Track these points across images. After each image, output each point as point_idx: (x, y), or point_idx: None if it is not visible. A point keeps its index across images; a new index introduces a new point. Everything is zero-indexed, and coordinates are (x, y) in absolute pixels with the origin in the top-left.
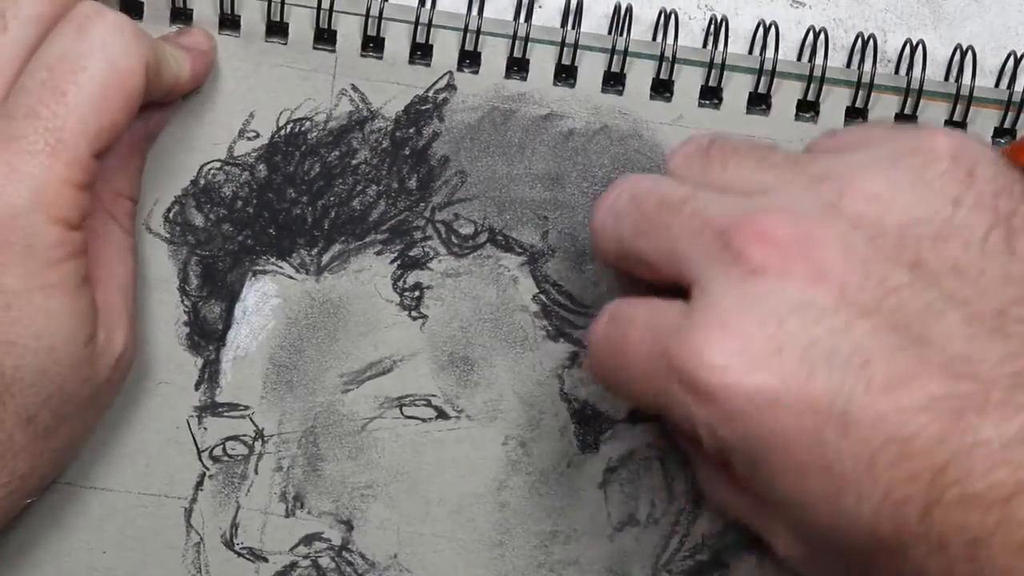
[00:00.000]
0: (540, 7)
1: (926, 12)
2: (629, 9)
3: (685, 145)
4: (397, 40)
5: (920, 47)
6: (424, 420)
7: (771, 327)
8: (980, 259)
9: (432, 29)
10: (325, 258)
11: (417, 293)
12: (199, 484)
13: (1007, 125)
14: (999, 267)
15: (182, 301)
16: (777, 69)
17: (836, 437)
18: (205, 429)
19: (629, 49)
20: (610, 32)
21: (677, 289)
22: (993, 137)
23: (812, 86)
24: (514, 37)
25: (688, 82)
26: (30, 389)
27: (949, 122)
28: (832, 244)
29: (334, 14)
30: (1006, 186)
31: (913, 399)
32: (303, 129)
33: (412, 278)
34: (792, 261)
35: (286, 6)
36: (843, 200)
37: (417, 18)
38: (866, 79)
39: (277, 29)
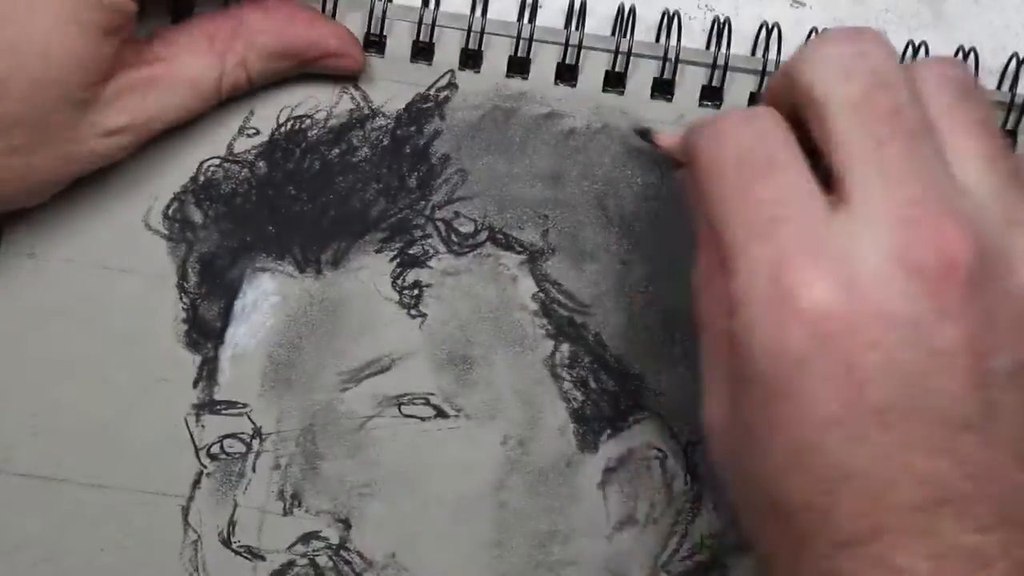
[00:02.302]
0: (542, 6)
1: (926, 12)
2: (633, 10)
3: (945, 66)
4: (399, 38)
5: (923, 49)
6: (423, 419)
7: (883, 320)
8: None
9: (434, 28)
10: (324, 256)
11: (416, 291)
12: (197, 482)
13: (1009, 127)
14: None
15: (181, 298)
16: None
17: (842, 436)
18: (203, 427)
19: (631, 55)
20: (613, 33)
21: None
22: None
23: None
24: (517, 38)
25: (690, 82)
26: (14, 103)
27: None
28: (985, 297)
29: (337, 12)
30: None
31: (923, 466)
32: (303, 126)
33: (411, 276)
34: (945, 285)
35: None
36: (1022, 266)
37: (420, 17)
38: None
39: None
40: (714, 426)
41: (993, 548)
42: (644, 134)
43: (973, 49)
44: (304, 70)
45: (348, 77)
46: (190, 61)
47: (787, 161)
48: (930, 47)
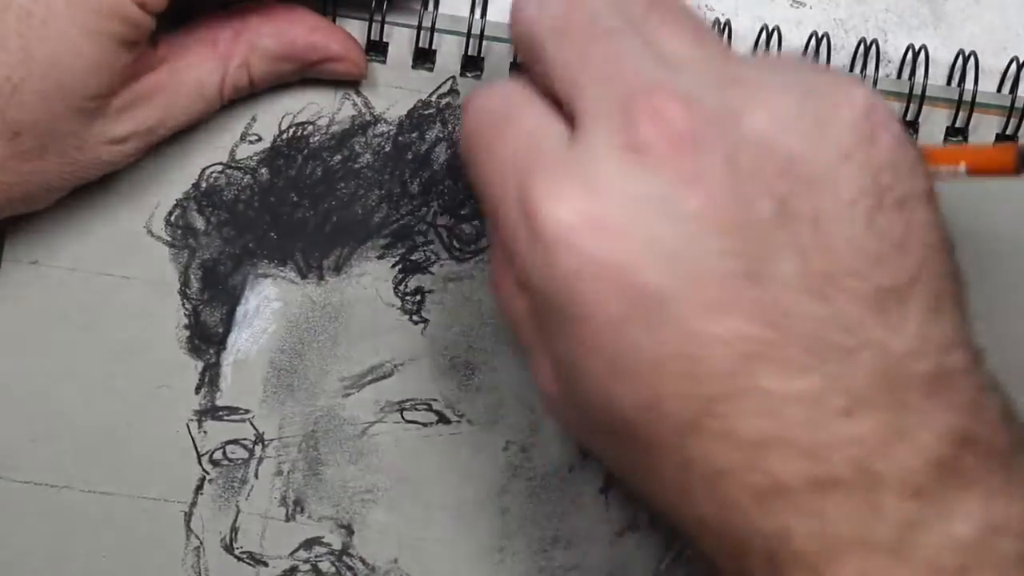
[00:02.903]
0: None
1: (926, 12)
2: None
3: None
4: (400, 44)
5: (923, 52)
6: (425, 424)
7: (629, 208)
8: (838, 219)
9: (435, 34)
10: (326, 262)
11: (418, 297)
12: (199, 488)
13: (1009, 131)
14: (850, 233)
15: (183, 304)
16: None
17: (640, 332)
18: (205, 433)
19: None
20: None
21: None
22: (995, 144)
23: None
24: None
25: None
26: (25, 110)
27: (951, 128)
28: (718, 152)
29: (338, 19)
30: (896, 161)
31: (721, 328)
32: (305, 133)
33: (413, 282)
34: (676, 154)
35: None
36: (746, 110)
37: (420, 23)
38: (868, 84)
39: None
40: (549, 393)
41: (819, 385)
42: None
43: (973, 53)
44: (307, 74)
45: (350, 82)
46: (194, 64)
47: (523, 110)
48: (930, 47)
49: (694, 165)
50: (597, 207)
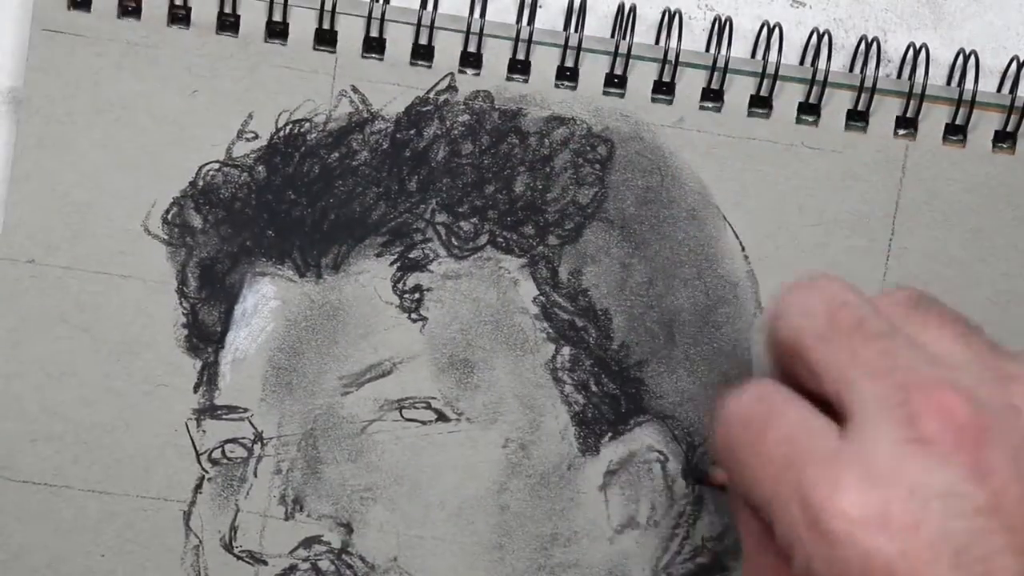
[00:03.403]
0: (541, 6)
1: (926, 12)
2: (633, 10)
3: (896, 291)
4: (398, 41)
5: (923, 51)
6: (424, 423)
7: (917, 502)
8: None
9: (434, 30)
10: (325, 260)
11: (417, 295)
12: (198, 487)
13: (1009, 129)
14: None
15: (180, 303)
16: (780, 73)
17: None
18: (204, 432)
19: (632, 52)
20: (613, 34)
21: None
22: (994, 142)
23: (814, 90)
24: (516, 39)
25: (690, 84)
26: None
27: (951, 127)
28: (1005, 446)
29: (337, 15)
30: None
31: None
32: (302, 130)
33: (412, 280)
34: (962, 448)
35: (287, 7)
36: None
37: (419, 19)
38: (868, 83)
39: (277, 30)
40: None
41: None
42: (699, 478)
43: (974, 52)
44: None
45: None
46: None
47: (786, 406)
48: (930, 47)
49: (980, 459)
50: (883, 500)
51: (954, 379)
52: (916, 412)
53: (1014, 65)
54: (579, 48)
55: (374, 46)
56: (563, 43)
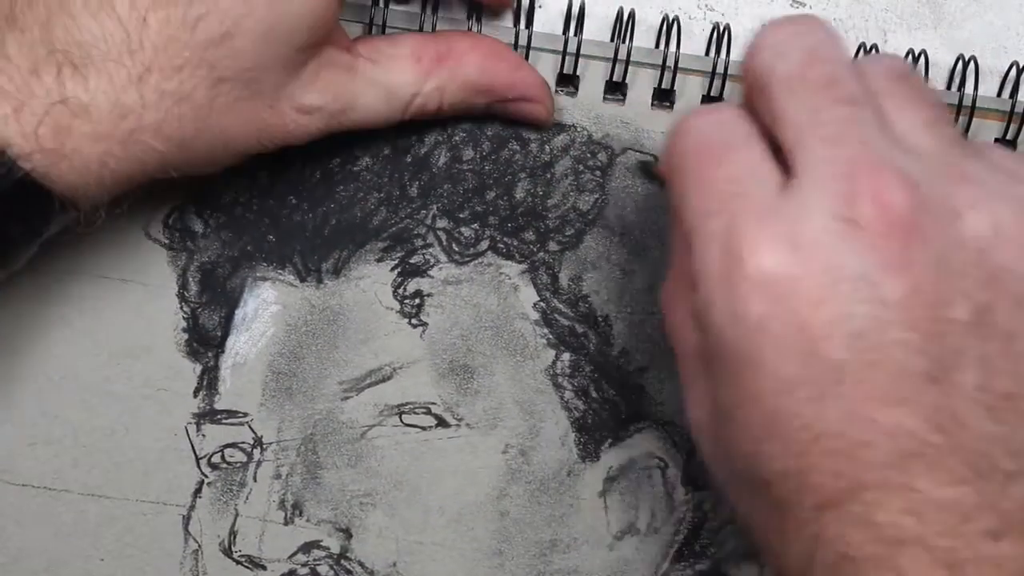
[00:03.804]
0: (540, 6)
1: (926, 12)
2: (632, 14)
3: (884, 58)
4: None
5: (923, 57)
6: (424, 428)
7: (829, 278)
8: None
9: None
10: (325, 265)
11: (417, 301)
12: (197, 491)
13: (1009, 136)
14: None
15: (181, 307)
16: None
17: (806, 396)
18: (204, 436)
19: (631, 58)
20: (612, 39)
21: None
22: None
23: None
24: (515, 45)
25: (691, 90)
26: (234, 58)
27: None
28: (932, 246)
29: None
30: None
31: (889, 420)
32: None
33: (412, 285)
34: (889, 238)
35: None
36: (968, 211)
37: (420, 25)
38: None
39: None
40: (700, 425)
41: (971, 500)
42: (646, 170)
43: (973, 58)
44: (492, 110)
45: (526, 123)
46: (392, 69)
47: (742, 143)
48: (930, 47)
49: (904, 253)
50: (800, 268)
51: (906, 168)
52: (856, 191)
53: (1014, 70)
54: (578, 53)
55: None
56: (562, 47)
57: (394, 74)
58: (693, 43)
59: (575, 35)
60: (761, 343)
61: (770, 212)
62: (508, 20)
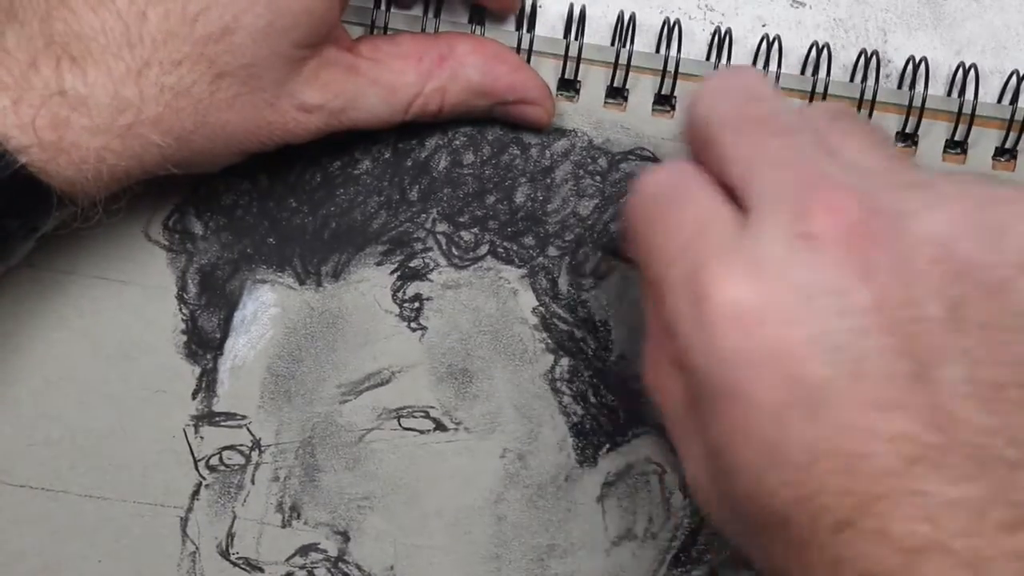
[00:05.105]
0: (540, 6)
1: (926, 12)
2: (632, 18)
3: (819, 104)
4: None
5: (923, 64)
6: (422, 432)
7: (799, 297)
8: (1010, 329)
9: None
10: (325, 268)
11: (417, 304)
12: (195, 493)
13: (1008, 145)
14: (1021, 345)
15: (180, 309)
16: (781, 84)
17: (798, 419)
18: (202, 438)
19: (632, 63)
20: (613, 43)
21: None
22: (993, 156)
23: (815, 101)
24: (517, 48)
25: (691, 96)
26: (234, 53)
27: (950, 142)
28: (892, 249)
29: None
30: None
31: (885, 426)
32: None
33: (412, 289)
34: (848, 247)
35: None
36: (923, 211)
37: (423, 29)
38: (868, 95)
39: None
40: (698, 481)
41: (982, 495)
42: (611, 250)
43: (974, 65)
44: (493, 113)
45: (526, 126)
46: (394, 69)
47: (695, 190)
48: (930, 47)
49: (866, 260)
50: (766, 293)
51: (852, 180)
52: (809, 207)
53: (1014, 79)
54: (579, 58)
55: None
56: (563, 52)
57: (395, 74)
58: (695, 46)
59: (576, 39)
60: (743, 375)
61: (730, 246)
62: (510, 24)
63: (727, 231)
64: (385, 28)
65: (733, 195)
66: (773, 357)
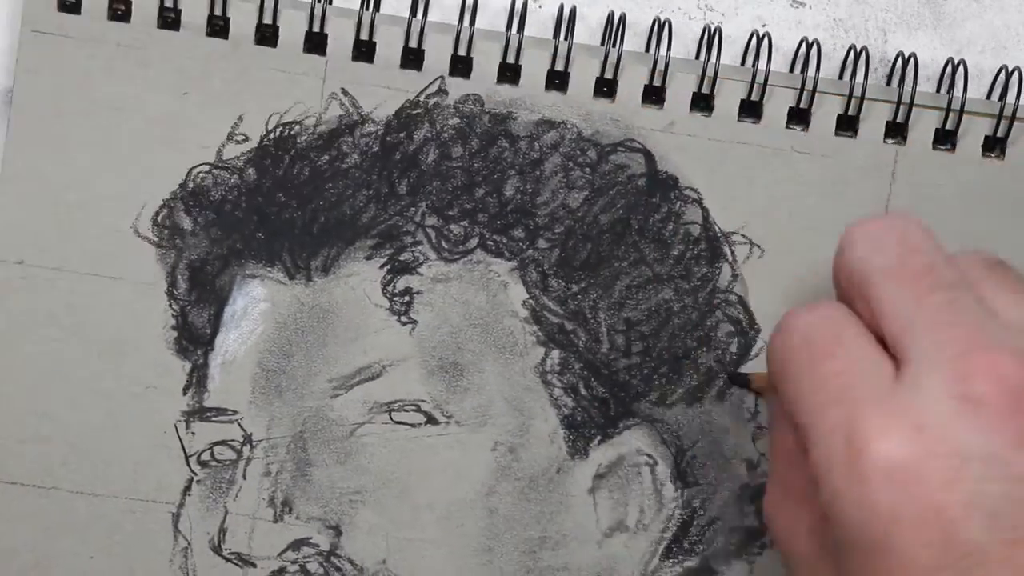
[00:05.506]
0: (540, 6)
1: (926, 12)
2: (623, 19)
3: (973, 252)
4: (389, 45)
5: (912, 59)
6: (413, 425)
7: (958, 459)
8: None
9: (424, 35)
10: (314, 263)
11: (407, 298)
12: (187, 489)
13: (999, 135)
14: None
15: (170, 305)
16: (770, 81)
17: None
18: (193, 434)
19: (621, 61)
20: (603, 43)
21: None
22: (983, 149)
23: (804, 96)
24: (506, 47)
25: (680, 89)
26: None
27: (940, 133)
28: None
29: (327, 17)
30: None
31: None
32: (292, 133)
33: (402, 283)
34: (1012, 413)
35: (277, 10)
36: None
37: (409, 24)
38: (858, 91)
39: (267, 33)
40: None
41: None
42: (738, 380)
43: (963, 61)
44: None
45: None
46: None
47: (850, 337)
48: (930, 47)
49: None
50: (926, 452)
51: (1015, 344)
52: (971, 370)
53: (1003, 74)
54: (568, 55)
55: (364, 50)
56: (553, 49)
57: None
58: (693, 42)
59: (566, 39)
60: (895, 532)
61: (888, 399)
62: (501, 23)
63: (884, 384)
64: (372, 23)
65: (885, 344)
66: (928, 517)
